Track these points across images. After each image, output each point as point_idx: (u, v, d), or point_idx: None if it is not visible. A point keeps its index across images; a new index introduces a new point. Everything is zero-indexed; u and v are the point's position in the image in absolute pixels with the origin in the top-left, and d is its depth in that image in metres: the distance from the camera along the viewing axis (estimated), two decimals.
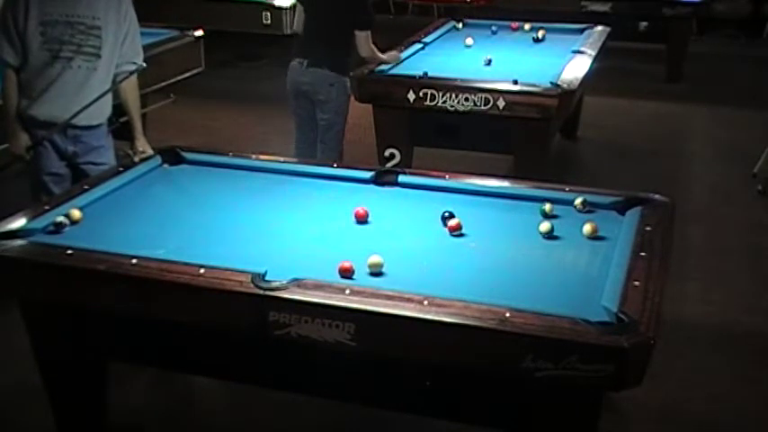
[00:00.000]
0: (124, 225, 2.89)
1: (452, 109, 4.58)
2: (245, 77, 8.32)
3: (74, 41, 3.57)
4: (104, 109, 3.74)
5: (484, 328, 2.17)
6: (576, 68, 4.98)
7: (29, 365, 2.90)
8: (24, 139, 3.66)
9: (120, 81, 3.75)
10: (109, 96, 3.74)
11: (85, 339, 2.78)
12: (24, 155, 3.68)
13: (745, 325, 4.00)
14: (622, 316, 2.20)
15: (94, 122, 3.70)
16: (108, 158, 3.78)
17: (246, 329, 2.43)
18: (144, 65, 3.85)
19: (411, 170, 3.49)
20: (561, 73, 4.78)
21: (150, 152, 3.63)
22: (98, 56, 3.63)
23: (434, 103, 4.60)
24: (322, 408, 3.10)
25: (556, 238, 2.81)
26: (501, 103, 4.48)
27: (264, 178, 3.34)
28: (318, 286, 2.34)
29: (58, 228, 2.77)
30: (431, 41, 5.79)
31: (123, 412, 3.16)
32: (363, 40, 4.75)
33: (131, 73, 3.79)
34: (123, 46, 3.73)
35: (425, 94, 4.61)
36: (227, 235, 2.82)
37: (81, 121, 3.63)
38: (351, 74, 4.81)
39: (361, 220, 2.93)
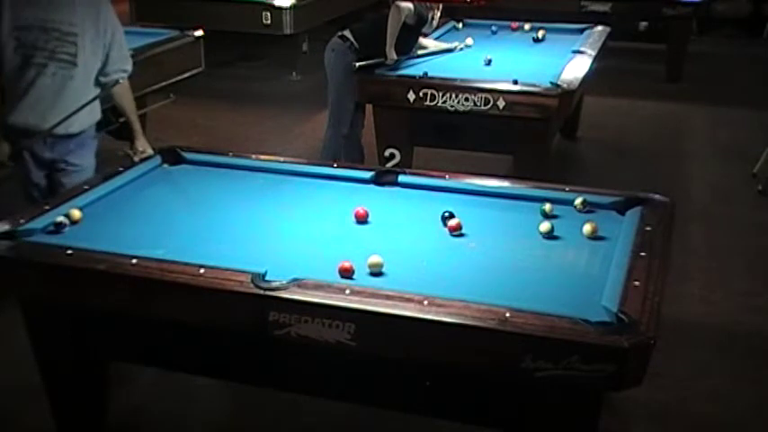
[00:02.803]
0: (124, 225, 2.89)
1: (452, 109, 4.58)
2: (245, 77, 8.32)
3: (48, 47, 3.47)
4: (86, 117, 3.61)
5: (484, 328, 2.18)
6: (576, 68, 4.98)
7: (29, 365, 2.90)
8: (5, 147, 3.56)
9: (110, 88, 3.69)
10: (94, 104, 3.64)
11: (85, 339, 2.78)
12: (6, 162, 3.60)
13: (745, 325, 4.00)
14: (622, 316, 2.20)
15: (73, 131, 3.57)
16: (82, 161, 3.63)
17: (246, 329, 2.43)
18: (130, 70, 3.78)
19: (411, 170, 3.49)
20: (561, 73, 4.79)
21: (150, 151, 3.62)
22: (74, 64, 3.52)
23: (434, 103, 4.61)
24: (322, 408, 3.10)
25: (556, 238, 2.81)
26: (501, 103, 4.49)
27: (264, 178, 3.34)
28: (318, 286, 2.34)
29: (58, 228, 2.77)
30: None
31: (123, 412, 3.16)
32: (394, 10, 4.87)
33: (121, 79, 3.72)
34: (111, 55, 3.63)
35: (425, 94, 4.61)
36: (227, 235, 2.82)
37: (59, 130, 3.52)
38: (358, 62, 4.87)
39: (361, 220, 2.93)
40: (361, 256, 2.52)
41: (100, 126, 3.96)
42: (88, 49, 3.56)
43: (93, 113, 3.69)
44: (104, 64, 3.65)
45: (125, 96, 3.80)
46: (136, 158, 3.54)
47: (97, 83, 3.66)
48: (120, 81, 3.72)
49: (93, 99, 3.62)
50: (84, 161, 3.65)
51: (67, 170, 3.59)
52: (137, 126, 3.81)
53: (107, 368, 2.94)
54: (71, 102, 3.53)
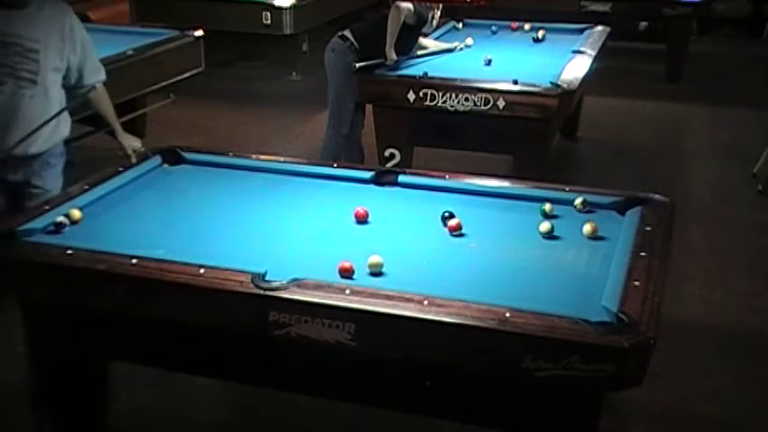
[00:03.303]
0: (124, 225, 2.88)
1: (452, 109, 4.58)
2: (245, 77, 8.32)
3: (7, 63, 3.34)
4: (48, 137, 3.48)
5: (484, 328, 2.17)
6: (576, 68, 4.98)
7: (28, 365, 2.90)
8: None
9: (85, 95, 3.64)
10: (59, 121, 3.52)
11: (85, 339, 2.78)
12: None
13: (745, 325, 4.00)
14: (622, 316, 2.20)
15: (33, 151, 3.44)
16: (45, 183, 3.49)
17: (246, 329, 2.43)
18: (104, 77, 3.72)
19: (411, 170, 3.49)
20: (561, 73, 4.79)
21: (137, 144, 3.59)
22: (34, 82, 3.39)
23: (434, 103, 4.61)
24: (322, 408, 3.10)
25: (556, 238, 2.81)
26: (501, 103, 4.49)
27: (264, 178, 3.34)
28: (318, 286, 2.34)
29: (58, 228, 2.76)
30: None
31: (123, 412, 3.16)
32: (394, 11, 4.88)
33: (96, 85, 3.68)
34: (84, 70, 3.57)
35: (425, 94, 4.62)
36: (227, 235, 2.82)
37: (18, 151, 3.40)
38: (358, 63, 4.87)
39: (361, 220, 2.92)
40: (361, 256, 2.52)
41: (99, 126, 3.95)
42: (50, 66, 3.44)
43: (59, 132, 3.55)
44: (78, 79, 3.58)
45: (102, 101, 3.72)
46: (133, 159, 3.52)
47: (60, 98, 3.54)
48: (96, 87, 3.67)
49: (53, 117, 3.47)
50: (48, 183, 3.51)
51: (31, 192, 3.47)
52: (117, 127, 3.72)
53: (107, 368, 2.94)
54: (30, 121, 3.39)
